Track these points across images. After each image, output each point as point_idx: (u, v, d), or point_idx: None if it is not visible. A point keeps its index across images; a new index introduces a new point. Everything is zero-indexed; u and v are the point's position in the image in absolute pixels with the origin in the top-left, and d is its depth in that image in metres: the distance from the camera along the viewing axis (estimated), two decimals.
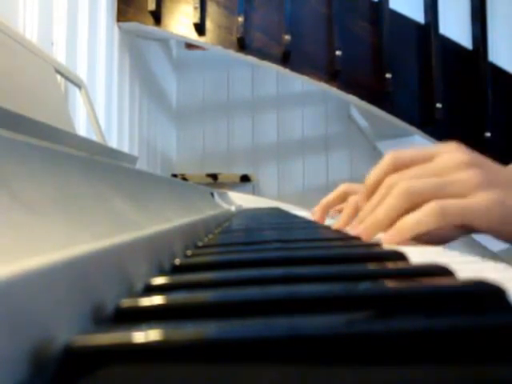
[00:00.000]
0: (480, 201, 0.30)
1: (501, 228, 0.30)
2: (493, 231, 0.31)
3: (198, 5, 1.62)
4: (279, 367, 0.10)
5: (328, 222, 0.54)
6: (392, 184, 0.34)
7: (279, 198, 2.35)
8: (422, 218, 0.30)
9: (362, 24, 1.75)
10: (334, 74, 1.68)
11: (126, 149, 1.67)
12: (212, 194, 0.82)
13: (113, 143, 1.53)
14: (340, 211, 0.51)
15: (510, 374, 0.10)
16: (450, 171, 0.32)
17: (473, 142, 1.71)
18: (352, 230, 0.35)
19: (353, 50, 1.71)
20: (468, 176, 0.31)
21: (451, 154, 0.33)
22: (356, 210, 0.44)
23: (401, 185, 0.32)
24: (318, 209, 0.54)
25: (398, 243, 0.30)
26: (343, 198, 0.51)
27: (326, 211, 0.54)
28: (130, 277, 0.17)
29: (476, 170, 0.32)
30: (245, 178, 2.45)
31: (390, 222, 0.32)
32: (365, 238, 0.33)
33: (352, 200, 0.43)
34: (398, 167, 0.35)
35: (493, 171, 0.33)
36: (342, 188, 0.52)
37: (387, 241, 0.30)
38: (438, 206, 0.30)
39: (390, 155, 0.36)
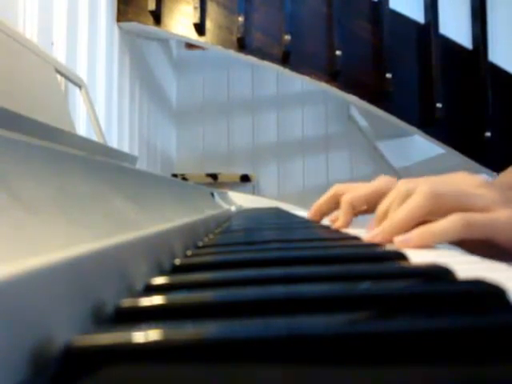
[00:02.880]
0: (502, 216, 0.30)
1: None
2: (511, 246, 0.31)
3: (197, 5, 1.62)
4: (279, 367, 0.10)
5: (325, 222, 0.54)
6: (409, 187, 0.33)
7: (279, 197, 2.35)
8: (448, 227, 0.29)
9: (362, 24, 1.75)
10: (333, 74, 1.68)
11: (126, 149, 1.67)
12: (212, 194, 0.82)
13: (113, 143, 1.53)
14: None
15: (510, 374, 0.10)
16: (469, 187, 0.33)
17: (473, 142, 1.72)
18: (369, 233, 0.33)
19: (353, 50, 1.71)
20: (487, 193, 0.32)
21: (466, 176, 0.35)
22: (352, 208, 0.44)
23: (424, 187, 0.32)
24: (310, 214, 0.53)
25: (418, 248, 0.29)
26: (335, 200, 0.49)
27: (318, 215, 0.52)
28: (129, 277, 0.17)
29: (491, 189, 0.33)
30: (245, 178, 2.45)
31: (412, 224, 0.31)
32: (384, 241, 0.31)
33: (346, 198, 0.43)
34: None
35: (505, 192, 0.33)
36: (333, 191, 0.50)
37: (406, 244, 0.29)
38: (464, 217, 0.29)
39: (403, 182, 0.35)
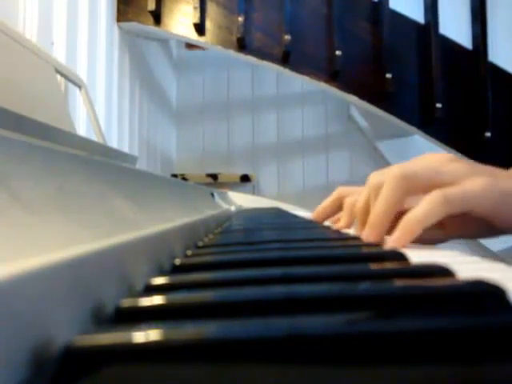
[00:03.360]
0: (475, 185, 0.30)
1: (498, 211, 0.30)
2: (490, 216, 0.31)
3: (197, 5, 1.62)
4: (279, 367, 0.10)
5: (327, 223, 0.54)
6: (379, 178, 0.33)
7: (279, 197, 2.35)
8: (429, 209, 0.29)
9: (362, 24, 1.75)
10: (333, 74, 1.68)
11: (126, 149, 1.67)
12: (212, 194, 0.82)
13: (113, 143, 1.53)
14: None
15: (510, 374, 0.10)
16: (438, 163, 0.33)
17: (473, 142, 1.72)
18: (362, 235, 0.33)
19: (353, 50, 1.71)
20: (456, 166, 0.32)
21: (433, 155, 0.35)
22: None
23: (393, 171, 0.32)
24: (314, 216, 0.53)
25: (409, 242, 0.28)
26: (339, 202, 0.49)
27: (322, 217, 0.52)
28: (130, 277, 0.17)
29: (461, 161, 0.33)
30: (245, 178, 2.45)
31: (394, 210, 0.31)
32: (374, 238, 0.31)
33: (349, 200, 0.43)
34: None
35: (475, 164, 0.34)
36: (337, 193, 0.50)
37: (397, 243, 0.28)
38: (442, 194, 0.29)
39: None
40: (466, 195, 0.29)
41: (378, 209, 0.32)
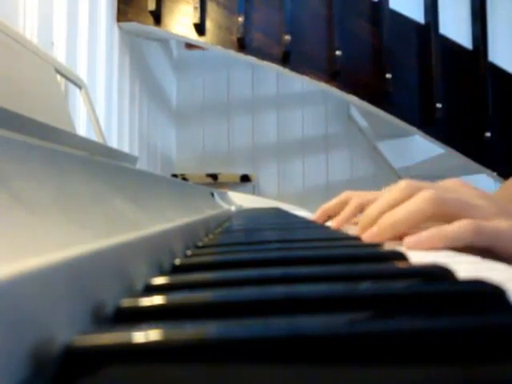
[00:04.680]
0: (505, 226, 0.30)
1: None
2: (507, 254, 0.31)
3: (197, 5, 1.62)
4: (279, 367, 0.10)
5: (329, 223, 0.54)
6: (412, 187, 0.33)
7: (279, 197, 2.35)
8: (460, 231, 0.29)
9: (362, 24, 1.75)
10: (333, 74, 1.68)
11: (126, 149, 1.67)
12: (212, 194, 0.82)
13: (113, 143, 1.53)
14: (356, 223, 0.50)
15: (510, 374, 0.10)
16: (469, 197, 0.33)
17: (473, 142, 1.72)
18: (368, 232, 0.33)
19: (353, 50, 1.71)
20: (486, 204, 0.32)
21: (464, 185, 0.35)
22: (357, 211, 0.44)
23: (428, 192, 0.31)
24: (317, 216, 0.53)
25: (426, 250, 0.28)
26: (344, 206, 0.49)
27: (324, 218, 0.52)
28: (130, 277, 0.17)
29: (491, 200, 0.33)
30: (245, 178, 2.45)
31: (410, 227, 0.31)
32: (382, 240, 0.31)
33: (354, 201, 0.43)
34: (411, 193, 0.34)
35: (502, 203, 0.33)
36: (344, 195, 0.50)
37: (416, 246, 0.28)
38: (475, 223, 0.29)
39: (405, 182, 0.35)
40: (497, 231, 0.30)
41: (398, 217, 0.31)
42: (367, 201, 0.44)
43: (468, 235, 0.29)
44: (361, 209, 0.45)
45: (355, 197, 0.47)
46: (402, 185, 0.34)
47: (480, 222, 0.30)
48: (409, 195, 0.33)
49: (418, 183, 0.34)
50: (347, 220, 0.44)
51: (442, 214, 0.31)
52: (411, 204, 0.32)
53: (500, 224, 0.30)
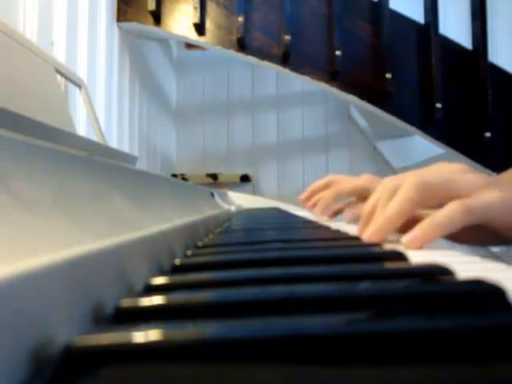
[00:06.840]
0: (494, 197, 0.30)
1: (510, 223, 0.31)
2: (505, 227, 0.31)
3: (197, 5, 1.62)
4: (279, 367, 0.10)
5: (334, 222, 0.56)
6: (395, 183, 0.33)
7: (279, 197, 2.35)
8: (451, 216, 0.29)
9: (362, 24, 1.75)
10: (333, 74, 1.68)
11: (126, 149, 1.67)
12: (212, 194, 0.82)
13: (113, 143, 1.53)
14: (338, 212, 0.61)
15: (510, 374, 0.10)
16: (453, 174, 0.33)
17: (473, 142, 1.72)
18: (364, 233, 0.33)
19: (353, 50, 1.71)
20: (471, 178, 0.32)
21: (446, 165, 0.35)
22: (335, 196, 0.57)
23: (411, 179, 0.32)
24: (303, 196, 0.67)
25: (425, 244, 0.28)
26: (327, 188, 0.61)
27: (310, 197, 0.65)
28: (130, 277, 0.17)
29: (474, 173, 0.33)
30: (245, 178, 2.45)
31: (404, 217, 0.31)
32: (379, 239, 0.31)
33: (332, 190, 0.56)
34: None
35: (487, 176, 0.34)
36: (327, 179, 0.63)
37: (413, 242, 0.28)
38: (464, 204, 0.29)
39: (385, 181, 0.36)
40: (486, 206, 0.30)
41: (390, 212, 0.31)
42: (342, 189, 0.56)
43: (459, 218, 0.29)
44: (337, 196, 0.57)
45: (336, 181, 0.60)
46: (387, 184, 0.34)
47: (468, 202, 0.30)
48: (394, 190, 0.33)
49: (399, 176, 0.35)
50: (327, 206, 0.56)
51: (429, 197, 0.31)
52: (399, 196, 0.32)
53: (487, 198, 0.30)
